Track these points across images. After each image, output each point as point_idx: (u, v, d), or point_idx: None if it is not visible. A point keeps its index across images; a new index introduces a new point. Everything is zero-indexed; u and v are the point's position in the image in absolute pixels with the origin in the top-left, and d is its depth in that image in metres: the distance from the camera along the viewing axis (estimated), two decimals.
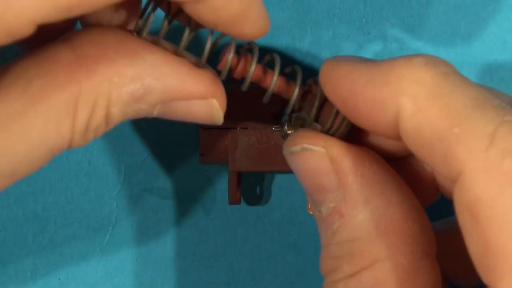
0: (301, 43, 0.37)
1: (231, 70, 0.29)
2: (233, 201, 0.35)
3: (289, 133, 0.33)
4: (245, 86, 0.29)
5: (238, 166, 0.35)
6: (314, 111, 0.29)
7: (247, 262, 0.37)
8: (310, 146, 0.28)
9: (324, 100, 0.29)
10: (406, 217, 0.27)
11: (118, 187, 0.37)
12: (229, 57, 0.29)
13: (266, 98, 0.30)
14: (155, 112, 0.27)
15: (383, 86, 0.25)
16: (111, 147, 0.37)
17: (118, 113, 0.26)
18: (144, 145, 0.37)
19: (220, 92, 0.28)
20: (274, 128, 0.34)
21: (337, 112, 0.28)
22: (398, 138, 0.25)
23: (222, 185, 0.37)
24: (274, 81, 0.29)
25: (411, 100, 0.24)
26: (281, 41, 0.37)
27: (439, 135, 0.23)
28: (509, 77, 0.37)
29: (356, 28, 0.37)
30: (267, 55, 0.30)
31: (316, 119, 0.29)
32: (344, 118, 0.28)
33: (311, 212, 0.36)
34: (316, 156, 0.28)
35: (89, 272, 0.37)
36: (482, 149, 0.22)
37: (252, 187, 0.37)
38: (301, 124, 0.33)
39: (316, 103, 0.29)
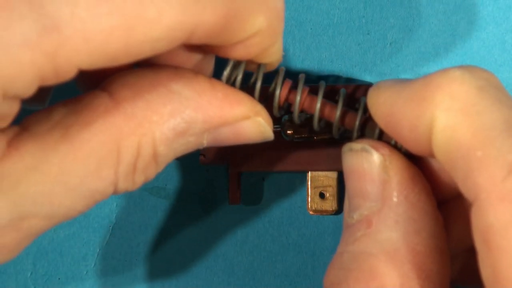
0: (301, 43, 0.37)
1: (290, 105, 0.30)
2: (233, 201, 0.35)
3: (289, 133, 0.33)
4: (315, 124, 0.30)
5: (238, 166, 0.35)
6: (375, 138, 0.29)
7: (247, 262, 0.37)
8: (371, 149, 0.27)
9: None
10: (428, 253, 0.26)
11: None
12: (298, 98, 0.30)
13: (335, 133, 0.30)
14: (205, 142, 0.27)
15: (420, 101, 0.25)
16: None
17: (166, 151, 0.26)
18: None
19: (261, 108, 0.28)
20: (274, 128, 0.34)
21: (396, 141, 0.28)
22: (433, 155, 0.25)
23: (222, 185, 0.37)
24: (337, 116, 0.30)
25: (444, 114, 0.24)
26: None
27: (463, 154, 0.23)
28: (509, 77, 0.37)
29: (356, 28, 0.37)
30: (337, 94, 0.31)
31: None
32: (402, 146, 0.28)
33: (311, 212, 0.36)
34: (371, 160, 0.27)
35: (89, 272, 0.37)
36: (500, 178, 0.22)
37: (252, 187, 0.37)
38: (301, 124, 0.33)
39: (377, 131, 0.29)
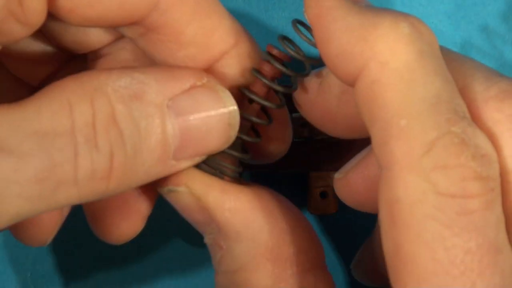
0: (301, 43, 0.37)
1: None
2: None
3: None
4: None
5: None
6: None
7: None
8: (174, 188, 0.27)
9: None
10: (286, 240, 0.27)
11: None
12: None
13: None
14: (170, 127, 0.26)
15: (359, 40, 0.24)
16: None
17: (125, 113, 0.24)
18: None
19: (213, 78, 0.27)
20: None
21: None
22: (352, 85, 0.25)
23: None
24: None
25: (378, 68, 0.23)
26: None
27: (386, 117, 0.23)
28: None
29: None
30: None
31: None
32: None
33: (312, 212, 0.36)
34: (181, 196, 0.27)
35: (89, 272, 0.37)
36: (418, 154, 0.22)
37: None
38: (301, 124, 0.33)
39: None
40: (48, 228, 0.30)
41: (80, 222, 0.37)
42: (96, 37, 0.29)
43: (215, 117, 0.26)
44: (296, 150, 0.35)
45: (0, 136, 0.23)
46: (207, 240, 0.28)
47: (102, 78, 0.25)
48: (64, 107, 0.24)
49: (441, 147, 0.22)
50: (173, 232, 0.37)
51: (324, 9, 0.25)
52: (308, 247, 0.28)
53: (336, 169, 0.35)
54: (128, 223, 0.30)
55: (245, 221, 0.27)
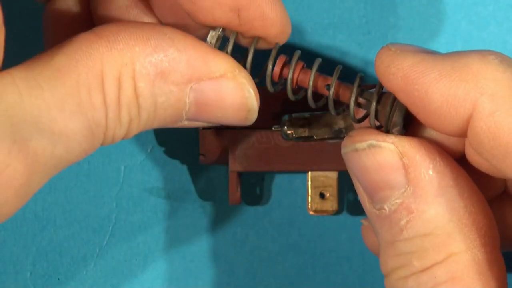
0: (301, 42, 0.37)
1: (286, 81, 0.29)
2: (233, 201, 0.35)
3: (289, 133, 0.33)
4: (309, 100, 0.29)
5: (238, 166, 0.35)
6: (373, 106, 0.28)
7: (247, 262, 0.37)
8: (379, 143, 0.27)
9: (380, 96, 0.28)
10: (478, 210, 0.26)
11: (118, 187, 0.37)
12: (291, 71, 0.29)
13: (330, 108, 0.29)
14: (187, 102, 0.27)
15: (460, 82, 0.24)
16: (111, 147, 0.37)
17: (147, 91, 0.26)
18: (144, 145, 0.37)
19: (246, 74, 0.28)
20: (274, 128, 0.34)
21: (394, 105, 0.28)
22: (462, 136, 0.25)
23: (222, 185, 0.37)
24: (332, 90, 0.29)
25: (490, 99, 0.24)
26: None
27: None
28: None
29: (356, 28, 0.37)
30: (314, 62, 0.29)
31: (376, 114, 0.28)
32: (400, 112, 0.28)
33: (311, 213, 0.35)
34: (385, 152, 0.27)
35: (88, 272, 0.37)
36: None
37: (252, 187, 0.37)
38: (301, 124, 0.33)
39: (375, 100, 0.28)
40: None
41: (80, 222, 0.37)
42: None
43: (233, 106, 0.28)
44: (296, 150, 0.35)
45: (49, 116, 0.25)
46: (386, 207, 0.27)
47: (137, 50, 0.26)
48: (98, 81, 0.25)
49: None
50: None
51: (407, 68, 0.25)
52: (493, 227, 0.27)
53: (336, 169, 0.35)
54: None
55: (446, 183, 0.26)
